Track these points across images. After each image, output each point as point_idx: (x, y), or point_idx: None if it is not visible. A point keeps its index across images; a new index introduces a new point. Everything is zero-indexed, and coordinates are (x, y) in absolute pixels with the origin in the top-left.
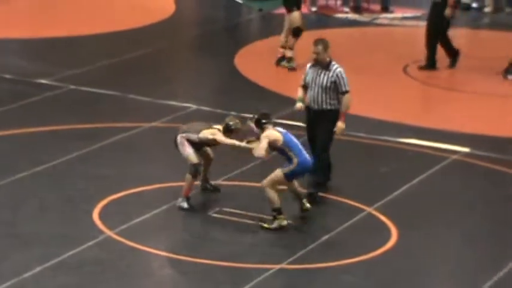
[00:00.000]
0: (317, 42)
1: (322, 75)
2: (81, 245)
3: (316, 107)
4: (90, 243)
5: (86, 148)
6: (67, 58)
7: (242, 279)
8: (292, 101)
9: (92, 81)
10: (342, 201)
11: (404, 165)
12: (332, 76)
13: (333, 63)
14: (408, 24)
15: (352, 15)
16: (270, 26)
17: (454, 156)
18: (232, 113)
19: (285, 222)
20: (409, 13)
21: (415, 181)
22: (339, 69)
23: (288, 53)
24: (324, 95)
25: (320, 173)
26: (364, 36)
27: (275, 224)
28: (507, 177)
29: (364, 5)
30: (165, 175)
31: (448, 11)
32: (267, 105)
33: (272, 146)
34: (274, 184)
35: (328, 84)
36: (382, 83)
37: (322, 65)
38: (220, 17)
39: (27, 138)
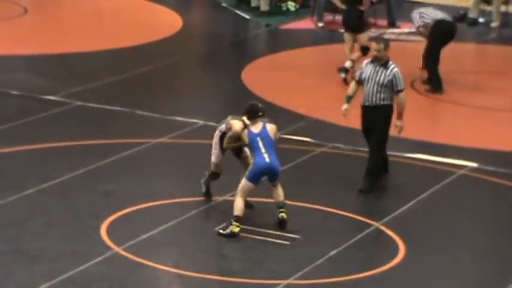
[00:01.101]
0: (379, 40)
1: (379, 72)
2: (88, 261)
3: (369, 103)
4: (97, 260)
5: (93, 164)
6: (74, 74)
7: None
8: (299, 117)
9: (99, 98)
10: (349, 216)
11: (412, 180)
12: (389, 75)
13: (391, 62)
14: (415, 39)
15: None
16: (277, 41)
17: (462, 171)
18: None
19: (236, 229)
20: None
21: (422, 196)
22: (396, 69)
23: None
24: (379, 92)
25: (373, 165)
26: (371, 51)
27: (228, 230)
28: None
29: (371, 20)
30: (172, 191)
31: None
32: (274, 121)
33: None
34: (243, 192)
35: (385, 82)
36: None
37: (381, 62)
38: (227, 33)
39: (35, 155)
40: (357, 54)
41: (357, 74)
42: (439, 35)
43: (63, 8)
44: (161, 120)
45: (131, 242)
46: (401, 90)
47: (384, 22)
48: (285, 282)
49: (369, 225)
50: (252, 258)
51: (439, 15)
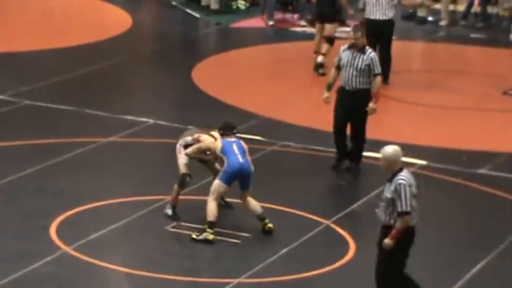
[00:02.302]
0: (356, 28)
1: (357, 58)
2: (37, 261)
3: (349, 87)
4: (46, 259)
5: (42, 164)
6: (22, 73)
7: None
8: (250, 115)
9: (48, 97)
10: (300, 215)
11: (362, 178)
12: (366, 59)
13: (367, 47)
14: None
15: (309, 29)
16: (227, 40)
17: (411, 169)
18: (189, 127)
19: (211, 237)
20: None
21: (372, 194)
22: (372, 53)
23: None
24: (358, 77)
25: (357, 149)
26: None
27: (201, 236)
28: (462, 187)
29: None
30: (122, 190)
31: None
32: (225, 119)
33: (210, 151)
34: (215, 194)
35: (363, 67)
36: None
37: (358, 48)
38: (177, 31)
39: None
40: (325, 47)
41: (335, 61)
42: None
43: (11, 7)
44: (111, 119)
45: (81, 241)
46: (378, 74)
47: None
48: (236, 281)
49: (320, 223)
50: (203, 256)
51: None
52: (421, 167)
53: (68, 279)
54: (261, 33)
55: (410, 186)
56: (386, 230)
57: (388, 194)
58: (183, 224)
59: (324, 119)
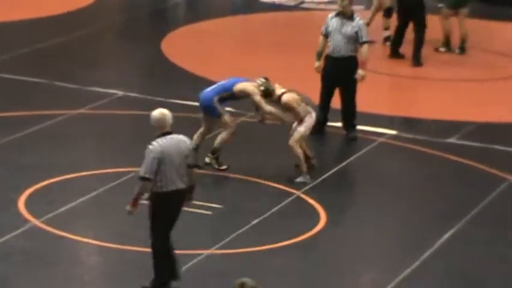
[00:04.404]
0: None
1: (346, 25)
2: (6, 234)
3: (337, 54)
4: (16, 233)
5: (10, 136)
6: None
7: None
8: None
9: (15, 69)
10: (270, 185)
11: (332, 148)
12: (355, 26)
13: (355, 15)
14: (333, 8)
15: (278, 0)
16: (196, 11)
17: (381, 139)
18: (161, 98)
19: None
20: None
21: (343, 164)
22: (361, 21)
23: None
24: (346, 44)
25: (351, 116)
26: (291, 20)
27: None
28: (431, 157)
29: None
30: (92, 162)
31: None
32: (194, 91)
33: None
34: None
35: (352, 34)
36: (310, 64)
37: (347, 15)
38: (145, 2)
39: None
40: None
41: (323, 29)
42: None
43: None
44: (80, 91)
45: (50, 214)
46: (365, 42)
47: None
48: (206, 252)
49: (291, 194)
50: (174, 228)
51: None
52: (391, 137)
53: (38, 252)
54: (230, 3)
55: (160, 154)
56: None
57: None
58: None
59: (294, 87)
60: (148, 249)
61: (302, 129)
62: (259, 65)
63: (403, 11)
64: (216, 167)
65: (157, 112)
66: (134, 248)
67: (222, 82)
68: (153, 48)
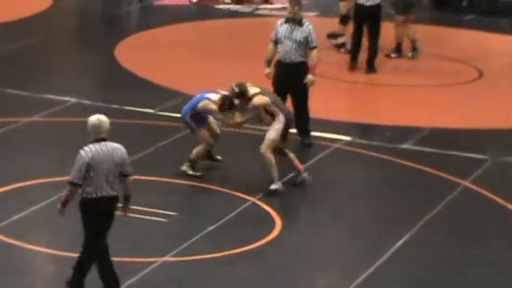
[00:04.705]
0: (293, 3)
1: (295, 31)
2: None
3: (288, 60)
4: None
5: None
6: None
7: (126, 273)
8: (174, 94)
9: None
10: (226, 192)
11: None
12: (305, 31)
13: (304, 20)
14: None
15: (233, 6)
16: (150, 18)
17: (336, 145)
18: (115, 106)
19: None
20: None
21: None
22: (310, 26)
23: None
24: (297, 50)
25: (305, 121)
26: (245, 27)
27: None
28: (386, 163)
29: None
30: (45, 170)
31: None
32: (149, 98)
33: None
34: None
35: (302, 40)
36: (261, 71)
37: (296, 21)
38: (99, 9)
39: None
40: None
41: (272, 35)
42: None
43: None
44: (32, 98)
45: (3, 222)
46: (315, 47)
47: None
48: (161, 259)
49: (246, 201)
50: (128, 236)
51: None
52: (345, 143)
53: None
54: (184, 10)
55: (89, 160)
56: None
57: None
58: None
59: None
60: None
61: (272, 136)
62: (213, 71)
63: (360, 18)
64: (190, 173)
65: (95, 118)
66: None
67: (196, 96)
68: (107, 55)
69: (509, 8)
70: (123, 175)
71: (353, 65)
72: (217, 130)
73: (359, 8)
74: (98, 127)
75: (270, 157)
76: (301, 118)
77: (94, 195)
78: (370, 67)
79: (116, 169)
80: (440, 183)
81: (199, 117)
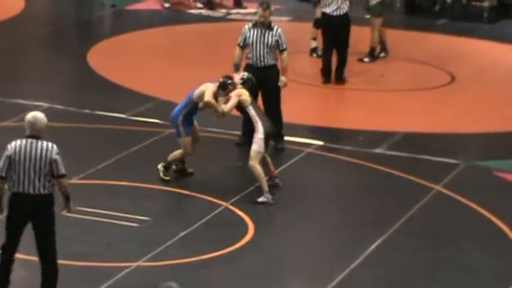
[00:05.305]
0: (264, 7)
1: (266, 34)
2: None
3: (260, 64)
4: None
5: None
6: None
7: (98, 278)
8: (147, 98)
9: None
10: (199, 197)
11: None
12: (275, 35)
13: (273, 24)
14: None
15: (205, 11)
16: (123, 23)
17: (308, 150)
18: (87, 110)
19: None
20: None
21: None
22: (280, 30)
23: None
24: (268, 53)
25: (279, 126)
26: (217, 31)
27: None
28: (359, 167)
29: (217, 0)
30: None
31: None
32: (121, 103)
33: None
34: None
35: (273, 43)
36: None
37: (265, 25)
38: (71, 14)
39: None
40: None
41: (240, 40)
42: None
43: None
44: (4, 103)
45: None
46: (285, 49)
47: (230, 3)
48: (134, 264)
49: (219, 206)
50: (99, 241)
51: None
52: (318, 147)
53: None
54: (157, 15)
55: (12, 154)
56: None
57: None
58: (78, 208)
59: None
60: (71, 262)
61: (255, 147)
62: (186, 76)
63: (327, 29)
64: (161, 174)
65: (31, 114)
66: (60, 261)
67: (185, 98)
68: (79, 59)
69: (481, 12)
70: (54, 176)
71: (325, 81)
72: (199, 135)
73: (325, 18)
74: (31, 123)
75: (259, 169)
76: (274, 122)
77: (13, 189)
78: (339, 79)
79: (42, 168)
80: (413, 187)
81: (188, 118)
